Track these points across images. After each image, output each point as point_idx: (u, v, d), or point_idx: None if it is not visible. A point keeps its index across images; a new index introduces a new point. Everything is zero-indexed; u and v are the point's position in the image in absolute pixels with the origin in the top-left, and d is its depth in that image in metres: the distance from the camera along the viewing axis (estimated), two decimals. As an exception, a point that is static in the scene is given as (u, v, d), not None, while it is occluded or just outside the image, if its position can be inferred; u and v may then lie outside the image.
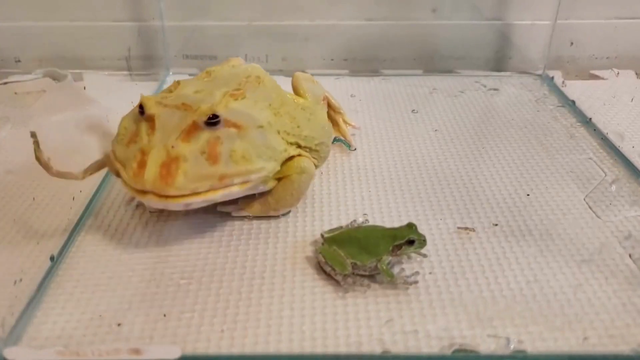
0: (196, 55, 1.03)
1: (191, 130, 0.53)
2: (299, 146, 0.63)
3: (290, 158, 0.61)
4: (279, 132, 0.61)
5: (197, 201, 0.54)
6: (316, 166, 0.66)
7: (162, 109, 0.55)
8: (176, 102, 0.56)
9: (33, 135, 0.57)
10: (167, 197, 0.52)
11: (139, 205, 0.65)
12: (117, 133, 0.58)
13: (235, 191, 0.56)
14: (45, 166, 0.58)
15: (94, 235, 0.61)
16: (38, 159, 0.57)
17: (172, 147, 0.52)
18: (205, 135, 0.54)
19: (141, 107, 0.56)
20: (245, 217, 0.63)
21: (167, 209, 0.57)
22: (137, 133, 0.55)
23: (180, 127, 0.53)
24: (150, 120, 0.54)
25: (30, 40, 1.01)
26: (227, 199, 0.57)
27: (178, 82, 0.64)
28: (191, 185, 0.53)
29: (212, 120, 0.54)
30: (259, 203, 0.63)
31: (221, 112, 0.55)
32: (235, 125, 0.56)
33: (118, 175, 0.57)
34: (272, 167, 0.58)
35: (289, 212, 0.65)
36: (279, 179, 0.62)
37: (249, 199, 0.63)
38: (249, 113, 0.58)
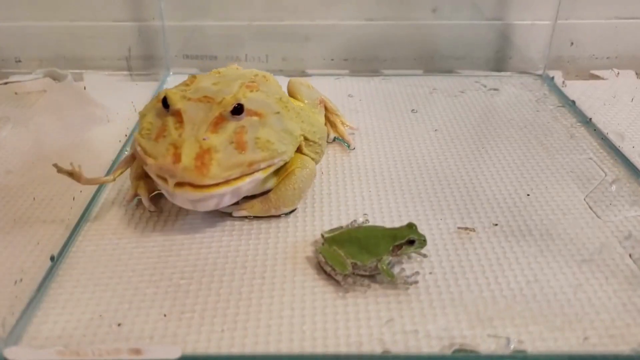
0: (196, 55, 1.03)
1: (218, 122, 0.56)
2: (305, 138, 0.66)
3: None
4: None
5: (229, 190, 0.56)
6: (315, 161, 0.68)
7: (187, 102, 0.57)
8: (198, 95, 0.58)
9: (55, 165, 0.60)
10: (202, 187, 0.54)
11: (139, 205, 0.65)
12: (141, 128, 0.60)
13: (262, 176, 0.58)
14: (77, 177, 0.60)
15: (94, 235, 0.61)
16: (67, 174, 0.60)
17: (204, 139, 0.54)
18: (232, 125, 0.56)
19: (164, 102, 0.57)
20: (245, 217, 0.63)
21: (197, 206, 0.58)
22: (164, 128, 0.57)
23: (207, 119, 0.55)
24: (177, 114, 0.56)
25: (30, 40, 1.01)
26: (252, 184, 0.59)
27: (194, 77, 0.66)
28: (225, 173, 0.55)
29: (237, 110, 0.56)
30: (259, 202, 0.63)
31: (243, 101, 0.57)
32: (256, 114, 0.59)
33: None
34: (291, 150, 0.62)
35: (290, 213, 0.64)
36: (281, 176, 0.63)
37: (249, 198, 0.63)
38: (265, 101, 0.61)
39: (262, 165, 0.58)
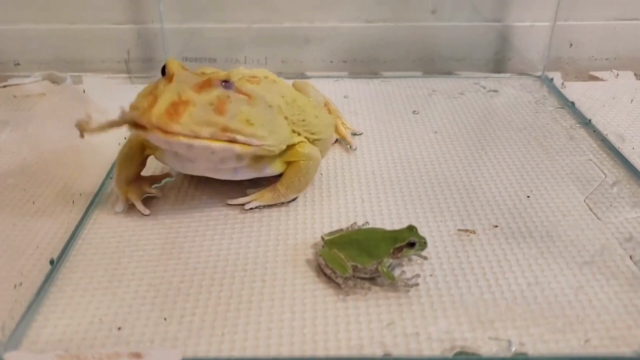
0: (196, 57, 1.03)
1: (205, 85, 0.56)
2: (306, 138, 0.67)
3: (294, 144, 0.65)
4: (286, 118, 0.64)
5: (197, 144, 0.56)
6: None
7: (183, 71, 0.58)
8: (196, 71, 0.60)
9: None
10: (170, 133, 0.54)
11: (130, 209, 0.65)
12: (138, 94, 0.60)
13: (237, 150, 0.58)
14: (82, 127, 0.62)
15: (93, 239, 0.61)
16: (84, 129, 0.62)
17: (184, 91, 0.55)
18: (217, 91, 0.57)
19: (163, 70, 0.58)
20: (255, 208, 0.65)
21: (169, 146, 0.58)
22: (155, 87, 0.58)
23: (194, 82, 0.56)
24: (170, 77, 0.57)
25: (29, 43, 1.01)
26: (227, 153, 0.59)
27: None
28: (194, 127, 0.55)
29: (227, 84, 0.57)
30: (269, 191, 0.65)
31: (236, 83, 0.59)
32: (246, 94, 0.59)
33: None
34: (273, 141, 0.61)
35: (295, 199, 0.66)
36: (287, 164, 0.65)
37: (260, 190, 0.66)
38: (260, 93, 0.62)
39: (239, 138, 0.57)
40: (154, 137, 0.55)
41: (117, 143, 0.78)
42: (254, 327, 0.50)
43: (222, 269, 0.57)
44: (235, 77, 0.63)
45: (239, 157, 0.61)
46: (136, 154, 0.66)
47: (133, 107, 0.57)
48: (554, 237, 0.61)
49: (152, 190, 0.67)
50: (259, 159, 0.62)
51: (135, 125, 0.56)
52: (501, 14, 1.02)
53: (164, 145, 0.58)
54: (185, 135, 0.55)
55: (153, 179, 0.69)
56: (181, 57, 1.03)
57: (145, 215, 0.64)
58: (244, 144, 0.58)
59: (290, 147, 0.64)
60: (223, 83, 0.57)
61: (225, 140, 0.57)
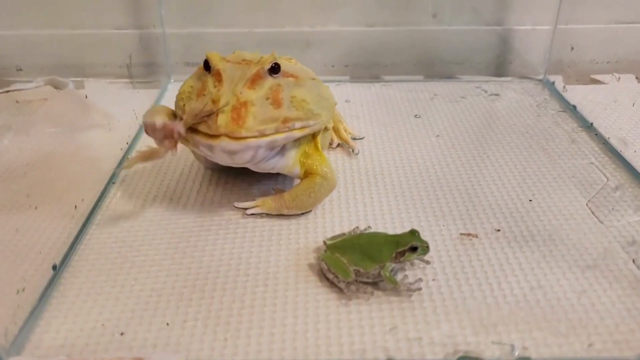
0: (197, 62, 1.03)
1: (255, 79, 0.58)
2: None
3: (317, 159, 0.65)
4: None
5: (264, 143, 0.58)
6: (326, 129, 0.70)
7: (226, 64, 0.59)
8: (237, 59, 0.61)
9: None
10: (238, 138, 0.56)
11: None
12: (181, 92, 0.62)
13: (297, 135, 0.61)
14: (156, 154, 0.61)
15: (96, 244, 0.61)
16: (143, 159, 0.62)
17: (240, 93, 0.56)
18: (268, 82, 0.59)
19: (206, 64, 0.60)
20: (257, 215, 0.65)
21: (235, 159, 0.59)
22: (204, 87, 0.59)
23: (245, 77, 0.57)
24: (217, 74, 0.58)
25: (31, 49, 1.01)
26: (289, 140, 0.61)
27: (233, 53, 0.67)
28: (259, 126, 0.57)
29: (274, 68, 0.59)
30: (272, 200, 0.65)
31: (280, 62, 0.60)
32: (292, 76, 0.61)
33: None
34: (326, 116, 0.64)
35: (301, 214, 0.65)
36: (303, 167, 0.65)
37: (265, 197, 0.66)
38: (302, 68, 0.65)
39: (297, 124, 0.59)
40: (222, 145, 0.56)
41: (119, 148, 0.79)
42: (256, 332, 0.50)
43: (224, 273, 0.57)
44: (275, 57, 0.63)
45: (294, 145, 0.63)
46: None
47: (190, 114, 0.57)
48: (557, 241, 0.61)
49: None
50: (296, 159, 0.64)
51: (199, 132, 0.57)
52: (502, 18, 1.02)
53: (229, 152, 0.57)
54: (253, 137, 0.56)
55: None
56: (183, 61, 1.04)
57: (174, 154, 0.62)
58: (301, 128, 0.60)
59: (313, 156, 0.65)
60: (270, 72, 0.58)
61: (285, 131, 0.59)
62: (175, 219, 0.64)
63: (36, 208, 0.65)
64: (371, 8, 1.01)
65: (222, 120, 0.55)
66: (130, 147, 0.80)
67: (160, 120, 0.59)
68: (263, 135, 0.57)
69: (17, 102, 0.93)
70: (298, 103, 0.59)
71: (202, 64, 0.61)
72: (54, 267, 0.57)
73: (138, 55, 1.02)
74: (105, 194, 0.69)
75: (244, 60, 0.60)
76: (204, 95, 0.58)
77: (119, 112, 0.87)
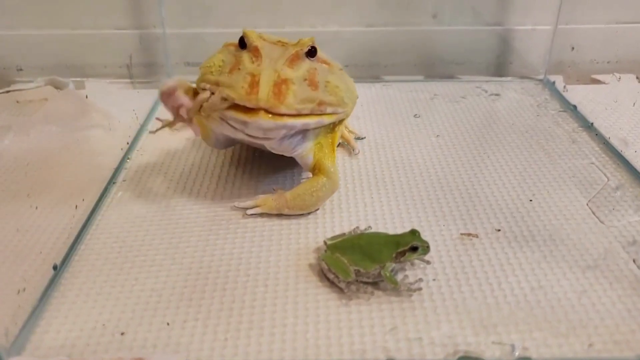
0: (197, 62, 1.02)
1: (294, 59, 0.59)
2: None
3: (329, 156, 0.66)
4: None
5: (299, 124, 0.58)
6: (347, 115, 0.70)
7: (264, 42, 0.60)
8: (273, 40, 0.61)
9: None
10: (276, 115, 0.56)
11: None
12: (210, 66, 0.61)
13: (326, 121, 0.62)
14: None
15: (96, 244, 0.61)
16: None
17: (282, 70, 0.57)
18: (306, 64, 0.60)
19: (241, 41, 0.60)
20: (257, 215, 0.65)
21: (268, 134, 0.58)
22: (239, 62, 0.58)
23: (284, 56, 0.58)
24: (255, 50, 0.58)
25: (32, 49, 1.01)
26: (319, 125, 0.62)
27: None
28: (298, 105, 0.57)
29: (311, 51, 0.60)
30: (273, 200, 0.64)
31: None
32: (326, 62, 0.63)
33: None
34: (351, 107, 0.66)
35: (301, 215, 0.65)
36: (317, 156, 0.66)
37: (266, 197, 0.65)
38: (330, 58, 0.65)
39: (329, 109, 0.61)
40: (259, 123, 0.56)
41: (120, 148, 0.79)
42: (256, 332, 0.50)
43: (224, 273, 0.57)
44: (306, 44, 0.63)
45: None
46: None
47: (225, 85, 0.57)
48: (557, 241, 0.61)
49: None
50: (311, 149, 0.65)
51: (234, 106, 0.57)
52: (502, 18, 1.02)
53: (264, 129, 0.57)
54: (290, 116, 0.57)
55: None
56: (183, 62, 1.04)
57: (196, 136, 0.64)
58: (331, 114, 0.61)
59: (325, 150, 0.65)
60: (308, 53, 0.59)
61: (318, 114, 0.60)
62: (176, 219, 0.64)
63: (36, 208, 0.65)
64: (371, 8, 1.01)
65: (264, 93, 0.55)
66: (131, 147, 0.80)
67: (171, 86, 0.60)
68: (299, 114, 0.58)
69: (17, 102, 0.93)
70: (332, 89, 0.60)
71: (236, 42, 0.61)
72: (55, 267, 0.57)
73: (138, 56, 1.02)
74: (106, 194, 0.69)
75: (279, 41, 0.61)
76: (239, 69, 0.57)
77: (119, 112, 0.87)
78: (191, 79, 1.02)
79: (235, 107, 0.57)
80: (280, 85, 0.56)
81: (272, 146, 0.63)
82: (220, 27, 1.01)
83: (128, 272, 0.57)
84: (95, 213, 0.66)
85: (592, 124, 0.85)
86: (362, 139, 0.82)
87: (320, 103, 0.59)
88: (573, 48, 1.05)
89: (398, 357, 0.48)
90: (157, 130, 0.71)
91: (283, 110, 0.56)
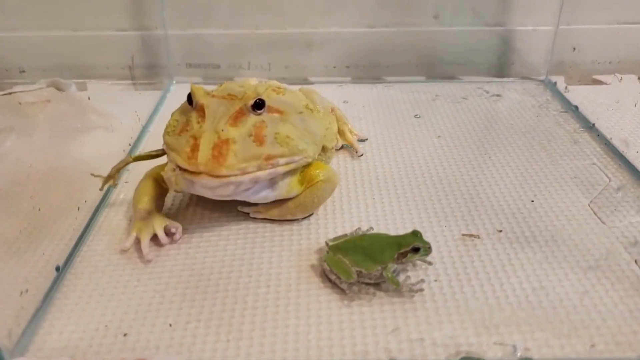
0: (199, 63, 1.04)
1: (238, 116, 0.57)
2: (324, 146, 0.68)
3: (313, 167, 0.64)
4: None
5: (246, 179, 0.57)
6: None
7: (211, 98, 0.58)
8: (223, 94, 0.60)
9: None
10: (219, 176, 0.55)
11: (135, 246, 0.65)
12: (167, 125, 0.61)
13: (281, 171, 0.60)
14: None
15: (99, 245, 0.61)
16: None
17: (222, 130, 0.55)
18: (252, 119, 0.58)
19: (189, 98, 0.59)
20: (259, 220, 0.65)
21: (216, 193, 0.58)
22: (187, 123, 0.58)
23: (228, 113, 0.57)
24: (200, 109, 0.57)
25: (34, 51, 1.02)
26: (273, 175, 0.60)
27: (221, 84, 0.66)
28: (241, 164, 0.56)
29: (258, 104, 0.58)
30: (277, 207, 0.64)
31: (264, 98, 0.59)
32: (277, 111, 0.60)
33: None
34: (312, 151, 0.63)
35: (309, 215, 0.65)
36: (302, 183, 0.64)
37: (269, 204, 0.64)
38: (289, 102, 0.63)
39: (281, 161, 0.58)
40: (203, 182, 0.56)
41: (122, 149, 0.79)
42: (258, 333, 0.50)
43: (226, 274, 0.57)
44: (261, 89, 0.63)
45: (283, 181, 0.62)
46: (155, 188, 0.63)
47: (173, 149, 0.57)
48: (559, 242, 0.61)
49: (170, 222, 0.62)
50: (294, 183, 0.63)
51: (181, 169, 0.56)
52: (503, 19, 1.02)
53: (210, 188, 0.57)
54: (234, 175, 0.56)
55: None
56: (185, 63, 1.04)
57: (148, 259, 0.59)
58: (287, 164, 0.59)
59: (307, 168, 0.63)
60: (254, 108, 0.57)
61: (269, 167, 0.58)
62: (178, 221, 0.64)
63: (39, 210, 0.66)
64: (372, 9, 1.01)
65: (203, 157, 0.54)
66: (133, 148, 0.80)
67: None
68: (244, 172, 0.56)
69: (19, 103, 0.93)
70: (282, 139, 0.58)
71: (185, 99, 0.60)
72: (57, 269, 0.57)
73: (140, 57, 1.02)
74: (108, 196, 0.69)
75: (229, 94, 0.59)
76: (187, 130, 0.57)
77: (121, 113, 0.87)
78: (193, 80, 1.03)
79: (182, 169, 0.56)
80: (220, 146, 0.55)
81: (242, 199, 0.61)
82: (222, 28, 1.02)
83: (130, 273, 0.57)
84: (97, 214, 0.66)
85: (593, 124, 0.85)
86: (365, 140, 0.82)
87: (268, 157, 0.57)
88: (574, 49, 1.05)
89: (400, 358, 0.48)
90: (103, 186, 0.67)
91: (224, 172, 0.55)
